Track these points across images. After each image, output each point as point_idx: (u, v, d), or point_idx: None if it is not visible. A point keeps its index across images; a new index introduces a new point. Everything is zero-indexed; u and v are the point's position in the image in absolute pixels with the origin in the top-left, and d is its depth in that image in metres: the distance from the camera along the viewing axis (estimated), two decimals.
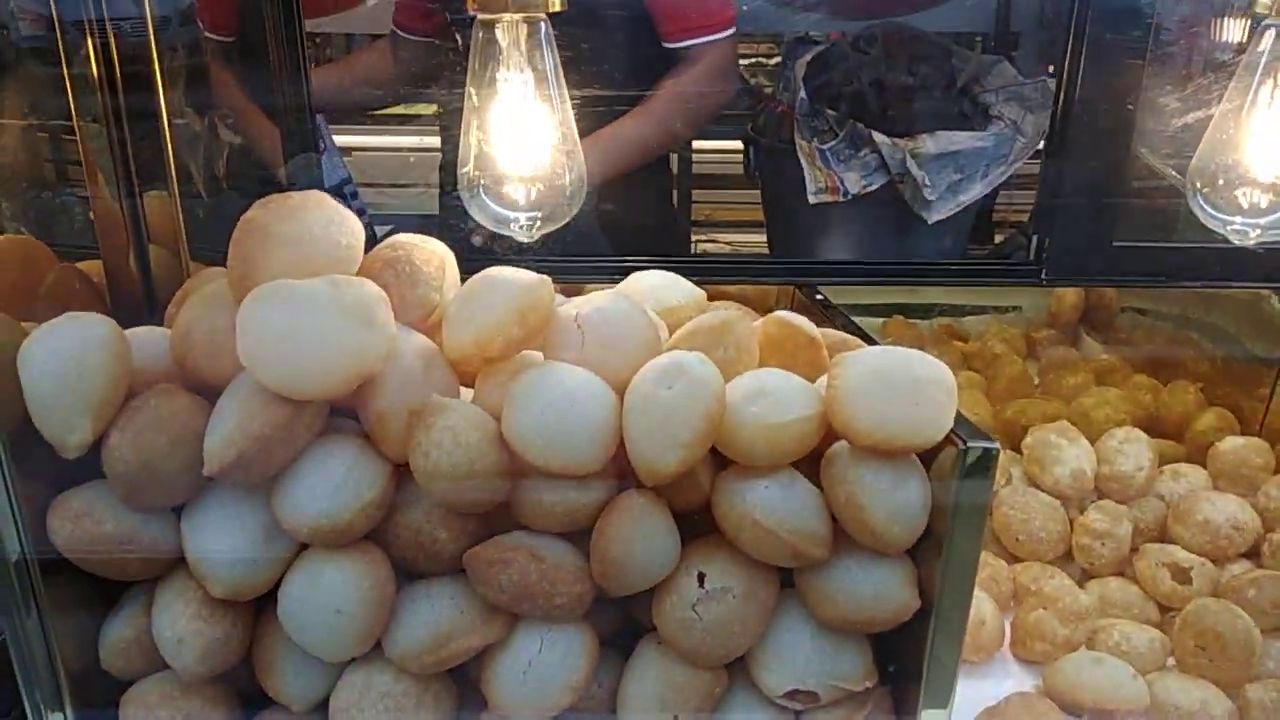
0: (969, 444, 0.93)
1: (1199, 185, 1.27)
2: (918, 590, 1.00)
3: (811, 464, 1.01)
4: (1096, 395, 1.81)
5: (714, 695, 1.03)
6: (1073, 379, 1.92)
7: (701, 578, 0.99)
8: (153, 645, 0.99)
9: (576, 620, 1.01)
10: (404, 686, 1.00)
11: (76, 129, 1.05)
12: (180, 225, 1.10)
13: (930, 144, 2.69)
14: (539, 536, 0.99)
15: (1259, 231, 1.25)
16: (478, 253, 1.47)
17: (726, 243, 3.25)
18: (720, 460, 1.01)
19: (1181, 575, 1.50)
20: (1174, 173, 1.57)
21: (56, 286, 1.10)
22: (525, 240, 1.18)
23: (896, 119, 2.77)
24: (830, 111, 2.62)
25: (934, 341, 2.08)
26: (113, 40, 1.03)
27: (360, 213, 2.18)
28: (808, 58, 2.63)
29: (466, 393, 1.04)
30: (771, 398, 0.96)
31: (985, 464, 0.94)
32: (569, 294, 1.10)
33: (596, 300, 1.03)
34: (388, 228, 2.46)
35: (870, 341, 1.29)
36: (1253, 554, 1.55)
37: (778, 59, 2.51)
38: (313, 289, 0.89)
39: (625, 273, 1.21)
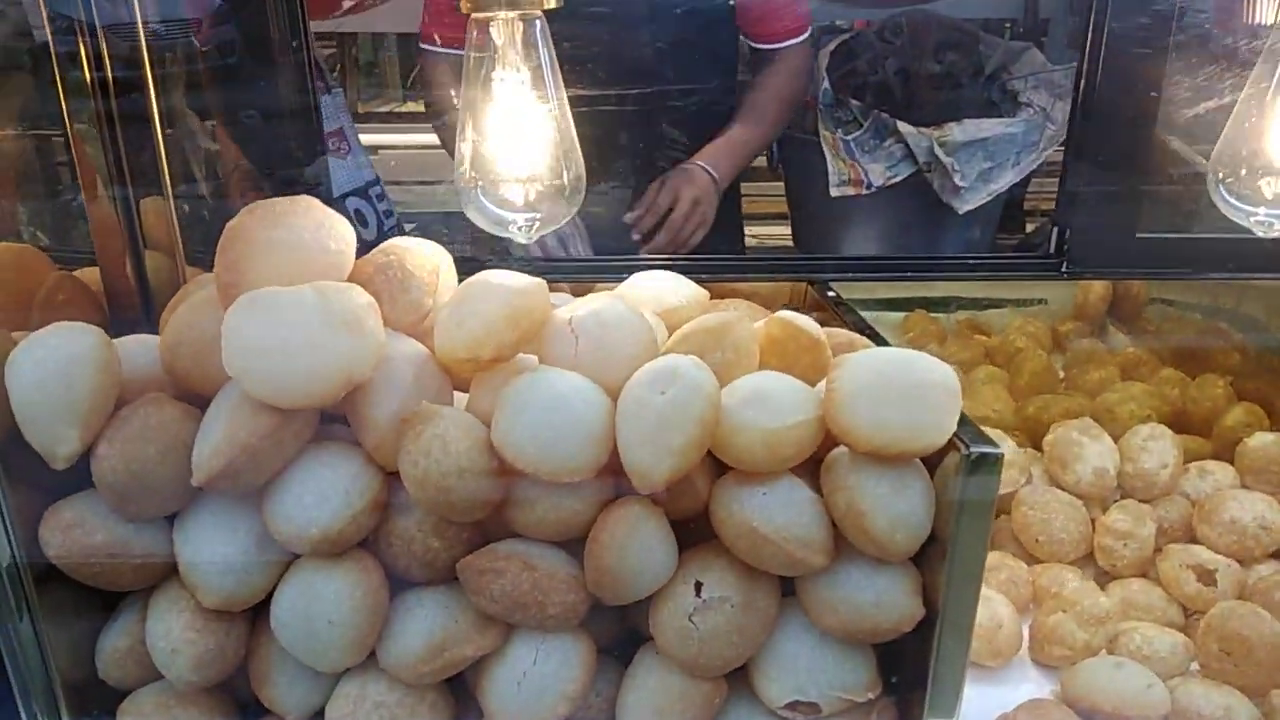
0: (972, 448, 0.91)
1: (1221, 175, 1.23)
2: (922, 598, 0.98)
3: (813, 469, 0.99)
4: (1121, 390, 1.77)
5: (713, 706, 1.01)
6: (1098, 373, 1.87)
7: (699, 587, 0.97)
8: (149, 655, 0.99)
9: (572, 630, 0.99)
10: (398, 696, 0.99)
11: (69, 134, 1.04)
12: (175, 231, 1.10)
13: (958, 132, 2.65)
14: (533, 545, 0.97)
15: None
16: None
17: (753, 236, 3.23)
18: (719, 466, 0.99)
19: (1206, 577, 1.46)
20: (1201, 160, 1.53)
21: (52, 294, 1.10)
22: (524, 242, 1.16)
23: (923, 108, 2.73)
24: (854, 102, 2.58)
25: (956, 336, 2.04)
26: (104, 44, 1.02)
27: (388, 214, 2.17)
28: (831, 47, 2.59)
29: (463, 398, 1.03)
30: (769, 402, 0.94)
31: (989, 468, 0.91)
32: None
33: (592, 303, 1.01)
34: (412, 225, 2.46)
35: (880, 341, 1.27)
36: None
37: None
38: (299, 296, 0.88)
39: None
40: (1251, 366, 1.83)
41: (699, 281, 1.55)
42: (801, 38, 2.19)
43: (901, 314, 2.07)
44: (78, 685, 1.02)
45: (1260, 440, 1.62)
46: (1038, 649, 1.42)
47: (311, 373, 0.87)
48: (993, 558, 1.53)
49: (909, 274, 1.72)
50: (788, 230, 2.92)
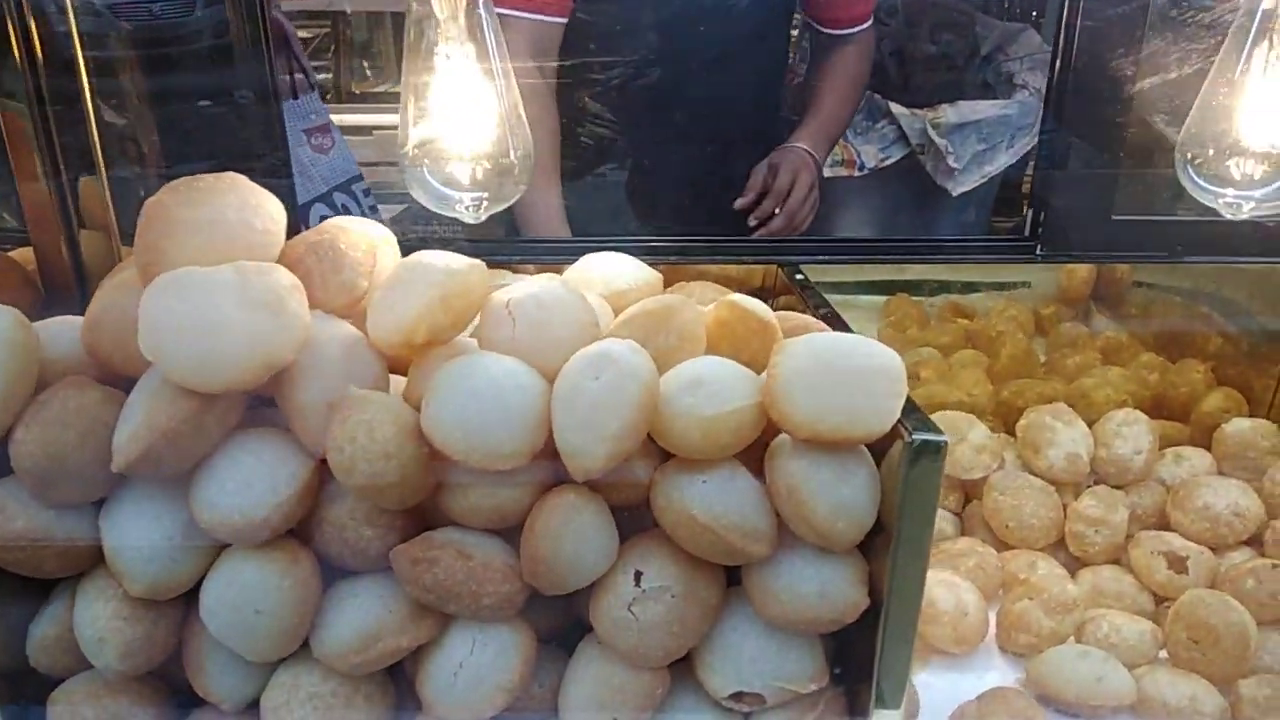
0: (914, 435, 0.88)
1: (1190, 156, 1.20)
2: (867, 589, 0.95)
3: (760, 456, 0.97)
4: (1098, 375, 1.74)
5: (656, 696, 0.98)
6: (1078, 357, 1.85)
7: (638, 576, 0.95)
8: (79, 643, 0.97)
9: (511, 620, 0.97)
10: (333, 686, 0.96)
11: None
12: (110, 210, 1.07)
13: (951, 113, 2.62)
14: (470, 533, 0.95)
15: (1253, 204, 1.17)
16: None
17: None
18: (664, 453, 0.96)
19: (1178, 564, 1.43)
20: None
21: None
22: (472, 221, 1.14)
23: (918, 90, 2.70)
24: None
25: (938, 319, 2.01)
26: (32, 21, 0.99)
27: (373, 209, 2.14)
28: None
29: (401, 382, 1.00)
30: (708, 388, 0.91)
31: (932, 455, 0.88)
32: None
33: (531, 285, 0.98)
34: (404, 206, 2.42)
35: (839, 324, 1.24)
36: (1256, 542, 1.48)
37: (796, 31, 2.45)
38: (217, 277, 0.85)
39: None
40: (1232, 351, 1.80)
41: (669, 264, 1.53)
42: (870, 22, 2.22)
43: (885, 297, 2.04)
44: (8, 673, 1.00)
45: (1237, 426, 1.59)
46: (1005, 636, 1.40)
47: (229, 356, 0.84)
48: (962, 544, 1.51)
49: (880, 257, 1.69)
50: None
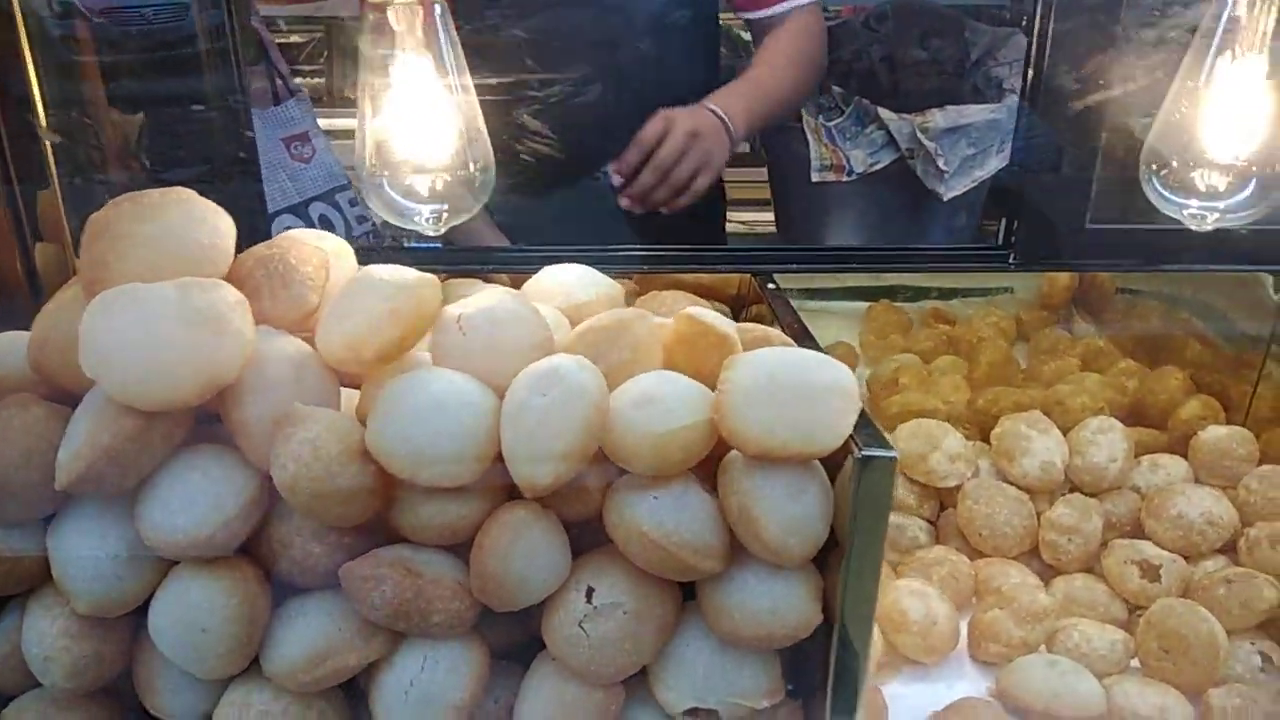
0: (863, 451, 0.87)
1: (1154, 167, 1.19)
2: (821, 604, 0.94)
3: (714, 472, 0.96)
4: (1074, 382, 1.73)
5: (610, 713, 0.98)
6: (1057, 364, 1.84)
7: (590, 593, 0.94)
8: None
9: (462, 637, 0.96)
10: (283, 705, 0.96)
11: None
12: (64, 223, 1.06)
13: (940, 118, 2.61)
14: (420, 550, 0.94)
15: (1217, 216, 1.16)
16: None
17: (741, 222, 3.19)
18: (617, 469, 0.95)
19: (1151, 573, 1.42)
20: None
21: None
22: (432, 234, 1.13)
23: (908, 95, 2.69)
24: (836, 88, 2.55)
25: (921, 325, 2.00)
26: None
27: (360, 220, 2.12)
28: None
29: (355, 397, 1.00)
30: (659, 404, 0.91)
31: (883, 472, 0.87)
32: None
33: (484, 298, 0.97)
34: None
35: (806, 337, 1.23)
36: (1230, 550, 1.47)
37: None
38: (158, 293, 0.84)
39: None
40: (1211, 358, 1.79)
41: (640, 274, 1.52)
42: (802, 3, 2.01)
43: (868, 303, 2.03)
44: None
45: (1213, 434, 1.58)
46: (975, 646, 1.39)
47: (170, 373, 0.84)
48: (936, 552, 1.50)
49: (853, 266, 1.68)
50: (771, 217, 2.88)
